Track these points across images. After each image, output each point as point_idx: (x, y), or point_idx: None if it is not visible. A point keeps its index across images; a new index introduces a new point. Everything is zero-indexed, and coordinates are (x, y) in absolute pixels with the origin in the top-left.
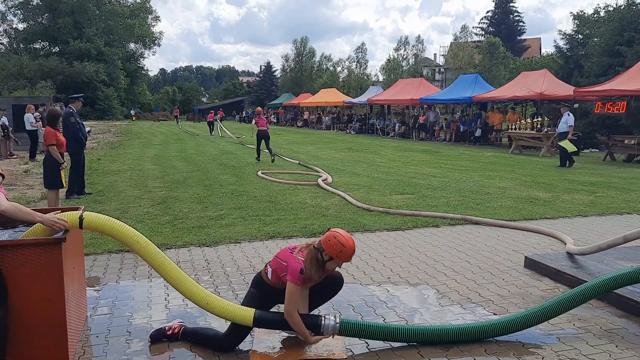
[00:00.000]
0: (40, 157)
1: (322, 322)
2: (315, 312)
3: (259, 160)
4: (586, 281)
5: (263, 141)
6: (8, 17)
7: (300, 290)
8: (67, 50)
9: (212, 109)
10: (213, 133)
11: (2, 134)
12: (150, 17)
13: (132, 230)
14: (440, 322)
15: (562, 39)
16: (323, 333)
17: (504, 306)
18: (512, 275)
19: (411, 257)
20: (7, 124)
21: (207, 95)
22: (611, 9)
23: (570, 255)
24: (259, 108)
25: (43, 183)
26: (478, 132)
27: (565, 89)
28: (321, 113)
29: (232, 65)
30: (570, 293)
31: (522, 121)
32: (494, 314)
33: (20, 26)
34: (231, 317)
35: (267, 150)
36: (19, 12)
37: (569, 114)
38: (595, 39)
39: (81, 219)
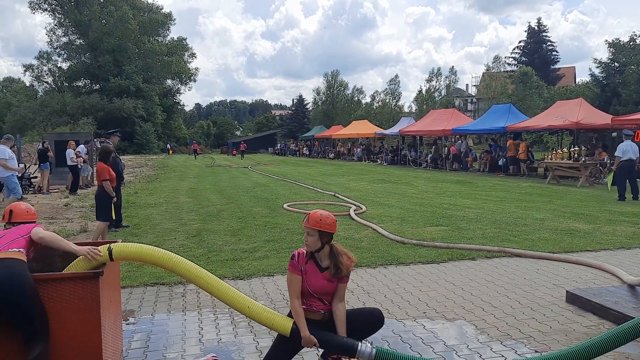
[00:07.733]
0: (80, 192)
1: (359, 347)
2: None
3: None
4: (633, 317)
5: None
6: (53, 57)
7: (296, 279)
8: (107, 87)
9: (245, 142)
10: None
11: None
12: (186, 54)
13: (162, 250)
14: None
15: (598, 67)
16: (358, 358)
17: (546, 343)
18: (553, 310)
19: (447, 291)
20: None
21: (241, 129)
22: None
23: (631, 288)
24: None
25: (95, 215)
26: (501, 161)
27: (602, 118)
28: (352, 144)
29: (265, 99)
30: (617, 330)
31: (559, 150)
32: (536, 351)
33: (64, 65)
34: (270, 324)
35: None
36: (63, 52)
37: (630, 143)
38: (633, 67)
39: (110, 250)
